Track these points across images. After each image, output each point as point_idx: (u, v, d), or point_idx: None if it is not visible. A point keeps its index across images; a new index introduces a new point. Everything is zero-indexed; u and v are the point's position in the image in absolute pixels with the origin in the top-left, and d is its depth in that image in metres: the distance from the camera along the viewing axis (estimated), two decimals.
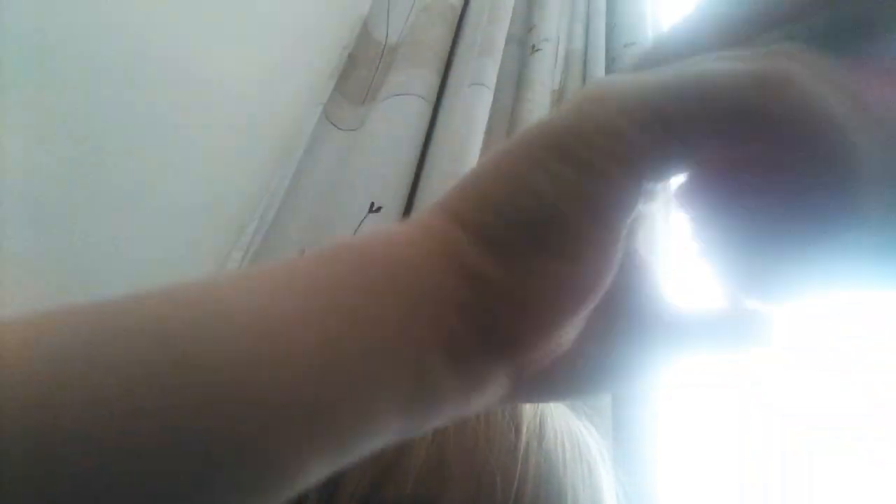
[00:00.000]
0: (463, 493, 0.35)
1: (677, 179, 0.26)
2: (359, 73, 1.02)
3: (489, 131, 0.93)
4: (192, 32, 0.92)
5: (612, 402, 0.73)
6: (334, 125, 0.94)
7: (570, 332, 0.23)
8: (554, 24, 1.13)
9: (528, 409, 0.40)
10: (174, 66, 0.88)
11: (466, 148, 0.85)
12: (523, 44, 1.13)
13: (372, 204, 0.81)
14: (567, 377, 0.24)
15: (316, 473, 0.17)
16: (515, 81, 1.07)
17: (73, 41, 0.81)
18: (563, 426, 0.42)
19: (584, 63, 1.12)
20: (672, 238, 0.65)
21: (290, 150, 0.90)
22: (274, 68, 0.99)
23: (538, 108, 1.00)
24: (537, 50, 1.08)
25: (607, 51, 1.14)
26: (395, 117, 0.91)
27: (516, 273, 0.20)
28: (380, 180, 0.84)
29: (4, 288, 0.66)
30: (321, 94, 0.96)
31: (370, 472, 0.36)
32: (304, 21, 1.06)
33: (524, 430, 0.39)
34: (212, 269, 0.80)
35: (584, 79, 1.09)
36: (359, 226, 0.79)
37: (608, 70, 1.11)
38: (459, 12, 1.11)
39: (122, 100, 0.82)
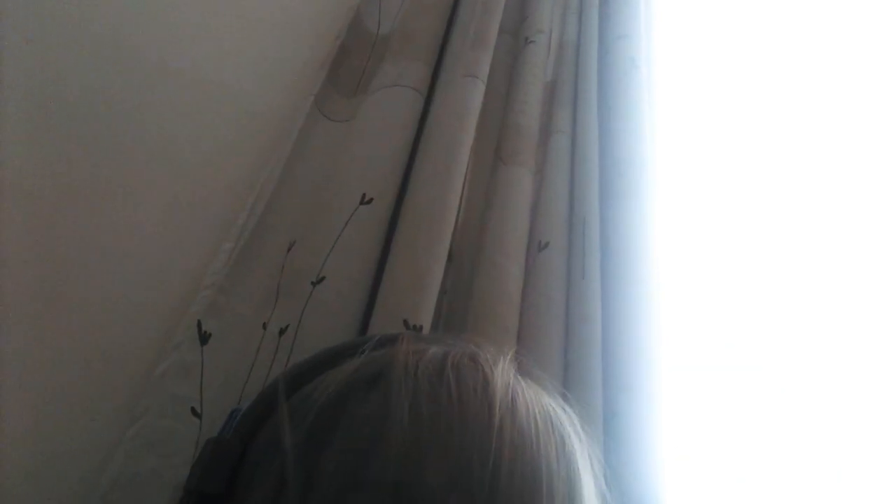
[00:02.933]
0: (441, 474, 0.36)
1: None
2: (350, 63, 1.01)
3: (481, 123, 0.93)
4: (182, 23, 0.91)
5: (604, 390, 0.74)
6: (326, 116, 0.94)
7: None
8: (547, 16, 1.13)
9: (500, 385, 0.41)
10: (164, 57, 0.87)
11: (459, 140, 0.84)
12: (516, 35, 1.13)
13: (363, 195, 0.80)
14: None
15: None
16: (508, 73, 1.07)
17: (66, 36, 0.80)
18: (535, 401, 0.43)
19: (577, 55, 1.11)
20: None
21: (280, 141, 0.89)
22: (264, 59, 0.98)
23: (531, 99, 0.99)
24: (530, 42, 1.07)
25: (600, 42, 1.13)
26: (387, 108, 0.90)
27: None
28: (371, 172, 0.83)
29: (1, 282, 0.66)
30: (312, 85, 0.96)
31: (348, 456, 0.37)
32: (295, 11, 1.05)
33: (497, 407, 0.39)
34: (202, 261, 0.79)
35: (576, 71, 1.09)
36: (350, 217, 0.78)
37: (601, 62, 1.11)
38: (452, 3, 1.10)
39: (113, 93, 0.81)
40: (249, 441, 0.43)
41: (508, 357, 0.46)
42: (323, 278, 0.74)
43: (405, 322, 0.68)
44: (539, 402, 0.43)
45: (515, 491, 0.36)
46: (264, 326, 0.74)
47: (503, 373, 0.43)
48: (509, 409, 0.40)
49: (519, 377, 0.44)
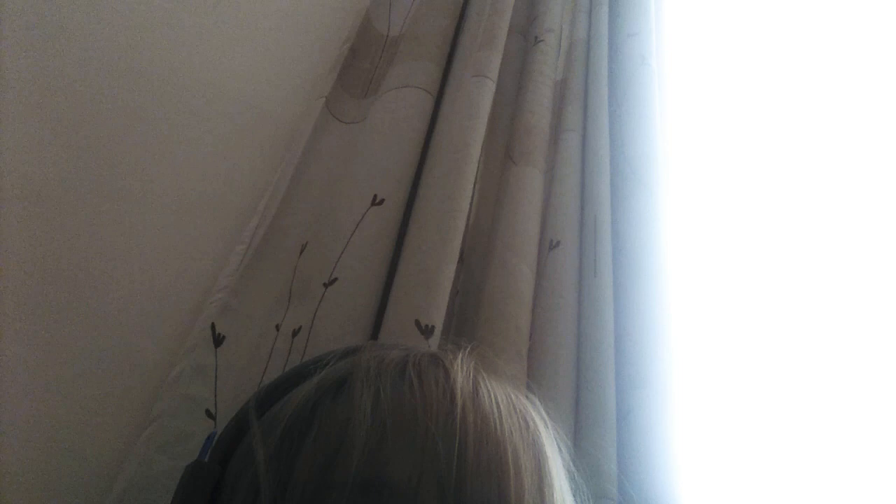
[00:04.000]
0: (407, 466, 0.37)
1: None
2: (361, 65, 1.01)
3: (492, 123, 0.93)
4: (192, 26, 0.92)
5: (617, 387, 0.73)
6: (336, 118, 0.94)
7: None
8: (556, 15, 1.13)
9: (460, 376, 0.43)
10: (174, 60, 0.88)
11: (469, 140, 0.84)
12: (526, 35, 1.13)
13: (375, 196, 0.80)
14: None
15: None
16: (518, 73, 1.07)
17: (73, 37, 0.81)
18: (497, 389, 0.44)
19: (587, 53, 1.11)
20: None
21: (292, 144, 0.90)
22: (275, 61, 0.98)
23: (541, 98, 0.99)
24: (540, 41, 1.07)
25: (610, 40, 1.13)
26: (398, 110, 0.91)
27: None
28: (382, 173, 0.83)
29: (6, 284, 0.66)
30: (323, 87, 0.96)
31: (317, 461, 0.38)
32: (306, 13, 1.06)
33: (458, 394, 0.41)
34: (215, 264, 0.79)
35: (586, 69, 1.09)
36: (361, 219, 0.78)
37: (611, 60, 1.10)
38: (461, 3, 1.10)
39: (123, 95, 0.82)
40: (226, 463, 0.44)
41: (468, 350, 0.47)
42: (335, 279, 0.74)
43: (417, 322, 0.68)
44: (501, 389, 0.44)
45: (483, 471, 0.37)
46: (277, 328, 0.74)
47: (463, 364, 0.44)
48: (471, 395, 0.41)
49: (480, 368, 0.45)
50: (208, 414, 0.67)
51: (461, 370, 0.43)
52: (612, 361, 0.75)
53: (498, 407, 0.41)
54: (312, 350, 0.70)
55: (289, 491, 0.37)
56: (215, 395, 0.68)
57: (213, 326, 0.72)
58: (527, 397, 0.47)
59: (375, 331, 0.73)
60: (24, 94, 0.75)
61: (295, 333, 0.72)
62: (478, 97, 0.89)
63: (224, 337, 0.72)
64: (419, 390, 0.40)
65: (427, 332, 0.68)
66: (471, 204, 0.83)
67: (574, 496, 0.45)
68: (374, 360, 0.44)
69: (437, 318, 0.70)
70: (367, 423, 0.38)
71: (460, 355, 0.45)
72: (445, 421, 0.38)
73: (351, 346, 0.50)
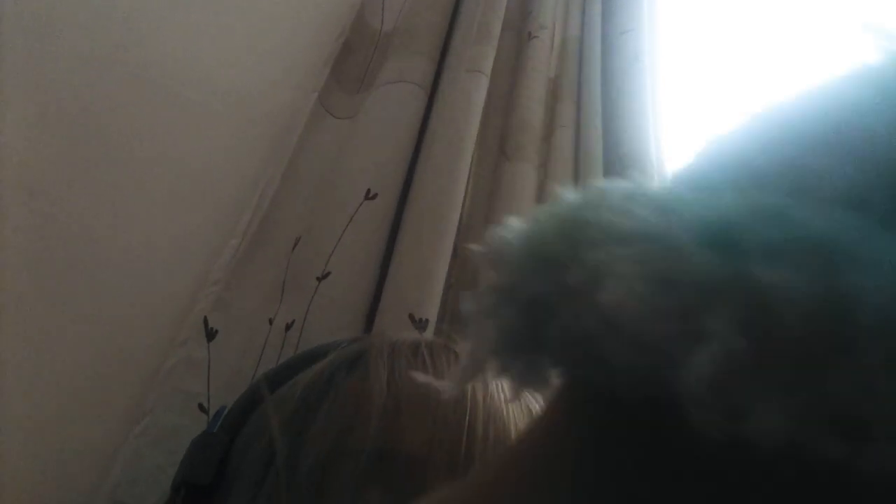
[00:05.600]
0: (420, 436, 0.38)
1: None
2: (354, 60, 1.01)
3: (485, 118, 0.93)
4: (186, 21, 0.92)
5: None
6: (330, 113, 0.94)
7: None
8: (550, 12, 1.13)
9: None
10: (168, 55, 0.88)
11: (462, 135, 0.84)
12: (519, 31, 1.13)
13: (368, 191, 0.80)
14: None
15: None
16: (511, 69, 1.07)
17: (69, 33, 0.80)
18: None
19: (580, 50, 1.11)
20: None
21: (285, 139, 0.89)
22: (269, 56, 0.98)
23: (534, 95, 0.99)
24: (534, 37, 1.07)
25: (603, 38, 1.13)
26: (391, 105, 0.90)
27: None
28: (376, 167, 0.83)
29: (4, 279, 0.66)
30: (316, 82, 0.96)
31: (333, 428, 0.39)
32: (299, 8, 1.05)
33: None
34: (208, 258, 0.79)
35: (580, 66, 1.09)
36: (354, 213, 0.78)
37: (604, 57, 1.10)
38: None
39: (118, 90, 0.81)
40: (235, 434, 0.45)
41: None
42: (328, 274, 0.74)
43: (411, 316, 0.68)
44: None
45: (490, 445, 0.39)
46: (270, 322, 0.74)
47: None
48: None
49: None
50: (201, 408, 0.67)
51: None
52: None
53: (504, 390, 0.43)
54: (305, 344, 0.70)
55: (302, 456, 0.38)
56: (208, 389, 0.68)
57: (205, 320, 0.72)
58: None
59: (369, 325, 0.73)
60: (19, 88, 0.74)
61: (288, 327, 0.72)
62: (472, 92, 0.90)
63: (217, 331, 0.72)
64: (431, 369, 0.42)
65: (421, 325, 0.68)
66: (464, 199, 0.83)
67: None
68: (388, 341, 0.46)
69: (431, 312, 0.70)
70: (384, 394, 0.40)
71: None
72: (458, 398, 0.40)
73: (358, 336, 0.51)
